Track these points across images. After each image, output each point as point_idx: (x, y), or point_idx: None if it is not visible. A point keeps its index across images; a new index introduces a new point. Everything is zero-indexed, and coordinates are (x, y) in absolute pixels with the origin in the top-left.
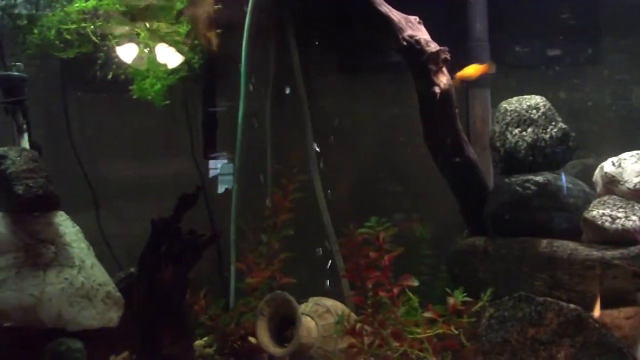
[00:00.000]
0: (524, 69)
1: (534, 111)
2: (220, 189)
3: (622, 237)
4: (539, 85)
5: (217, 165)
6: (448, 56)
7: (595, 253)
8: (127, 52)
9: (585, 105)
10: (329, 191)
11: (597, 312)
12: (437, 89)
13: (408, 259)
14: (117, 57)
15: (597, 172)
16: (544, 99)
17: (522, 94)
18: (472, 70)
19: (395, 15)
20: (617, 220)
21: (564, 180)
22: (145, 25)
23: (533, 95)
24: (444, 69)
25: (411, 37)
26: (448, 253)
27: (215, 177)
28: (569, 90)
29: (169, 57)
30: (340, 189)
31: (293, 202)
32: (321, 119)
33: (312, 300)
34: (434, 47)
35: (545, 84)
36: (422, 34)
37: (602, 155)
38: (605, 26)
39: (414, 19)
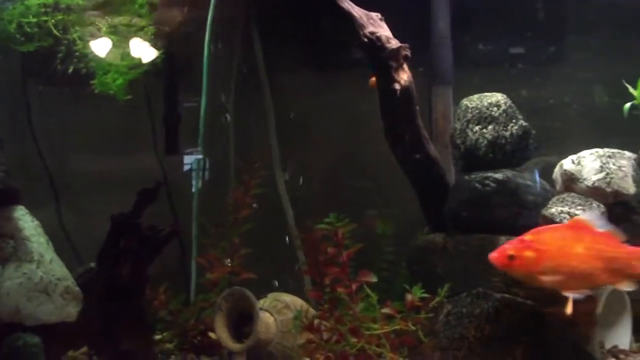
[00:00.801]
0: (487, 67)
1: (495, 109)
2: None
3: None
4: (502, 83)
5: (187, 160)
6: (409, 53)
7: None
8: (101, 47)
9: (548, 103)
10: (292, 187)
11: (569, 309)
12: (397, 86)
13: (370, 255)
14: (78, 50)
15: (556, 169)
16: (505, 96)
17: (485, 92)
18: None
19: (357, 11)
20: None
21: (537, 177)
22: (107, 20)
23: (494, 93)
24: (405, 66)
25: (372, 33)
26: (408, 249)
27: (182, 172)
28: (532, 88)
29: (135, 51)
30: (305, 185)
31: (254, 197)
32: (286, 115)
33: (271, 295)
34: (394, 43)
35: (508, 81)
36: (384, 30)
37: (565, 152)
38: (569, 25)
39: (376, 15)
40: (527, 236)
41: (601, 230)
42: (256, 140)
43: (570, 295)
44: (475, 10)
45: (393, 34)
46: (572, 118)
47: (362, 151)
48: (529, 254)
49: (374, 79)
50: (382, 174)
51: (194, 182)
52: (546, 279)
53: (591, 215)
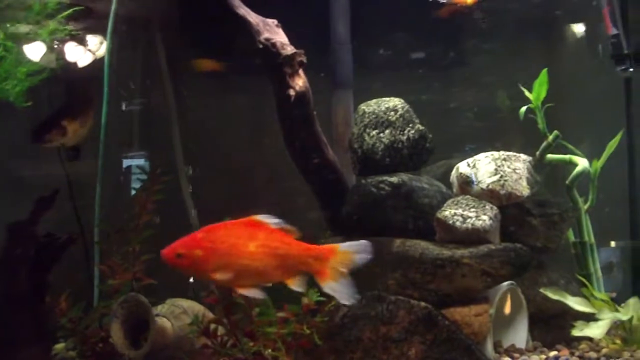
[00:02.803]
0: (388, 72)
1: (392, 113)
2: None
3: (472, 236)
4: (403, 88)
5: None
6: (304, 59)
7: (445, 252)
8: (34, 51)
9: (449, 107)
10: (197, 191)
11: (507, 309)
12: (291, 92)
13: None
14: None
15: (453, 172)
16: (402, 101)
17: (387, 97)
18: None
19: (253, 18)
20: (468, 220)
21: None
22: (6, 26)
23: (392, 98)
24: (301, 72)
25: (267, 39)
26: None
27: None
28: (433, 92)
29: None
30: (209, 189)
31: (156, 203)
32: (190, 119)
33: (169, 301)
34: (289, 50)
35: (409, 86)
36: (279, 37)
37: (467, 155)
38: (467, 30)
39: (272, 22)
40: (200, 234)
41: (275, 227)
42: (161, 144)
43: (246, 293)
44: (376, 15)
45: (295, 40)
46: (472, 121)
47: (267, 155)
48: (197, 252)
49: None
50: (287, 177)
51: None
52: (217, 276)
53: (264, 215)
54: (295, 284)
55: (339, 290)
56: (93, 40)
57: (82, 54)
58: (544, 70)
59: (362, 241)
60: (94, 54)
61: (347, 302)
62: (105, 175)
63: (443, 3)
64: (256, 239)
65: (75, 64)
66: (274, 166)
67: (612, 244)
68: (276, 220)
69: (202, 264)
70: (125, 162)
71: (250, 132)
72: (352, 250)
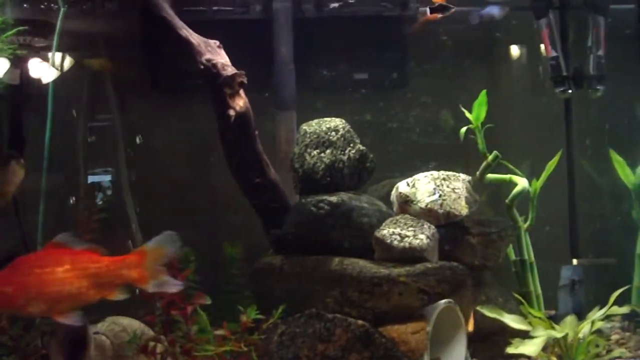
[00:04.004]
0: (331, 92)
1: (333, 133)
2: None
3: (410, 255)
4: (346, 108)
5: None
6: (245, 80)
7: (383, 270)
8: None
9: (392, 127)
10: (141, 209)
11: (470, 326)
12: (232, 112)
13: (220, 278)
14: None
15: (393, 192)
16: (344, 121)
17: (330, 117)
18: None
19: (195, 39)
20: (406, 239)
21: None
22: None
23: (333, 118)
24: (241, 92)
25: (208, 60)
26: (250, 272)
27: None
28: (376, 112)
29: None
30: (153, 206)
31: (99, 221)
32: (135, 137)
33: (109, 319)
34: (230, 70)
35: (352, 106)
36: (221, 57)
37: (409, 175)
38: (410, 52)
39: (214, 43)
40: (6, 270)
41: (80, 248)
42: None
43: (64, 321)
44: (319, 36)
45: (239, 61)
46: (415, 141)
47: (212, 173)
48: (6, 289)
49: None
50: (232, 197)
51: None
52: (33, 309)
53: (64, 236)
54: (117, 295)
55: (164, 283)
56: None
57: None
58: (483, 92)
59: (166, 232)
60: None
61: (176, 289)
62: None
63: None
64: (63, 263)
65: None
66: (220, 186)
67: (574, 261)
68: (77, 241)
69: (14, 300)
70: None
71: (196, 151)
72: (160, 245)
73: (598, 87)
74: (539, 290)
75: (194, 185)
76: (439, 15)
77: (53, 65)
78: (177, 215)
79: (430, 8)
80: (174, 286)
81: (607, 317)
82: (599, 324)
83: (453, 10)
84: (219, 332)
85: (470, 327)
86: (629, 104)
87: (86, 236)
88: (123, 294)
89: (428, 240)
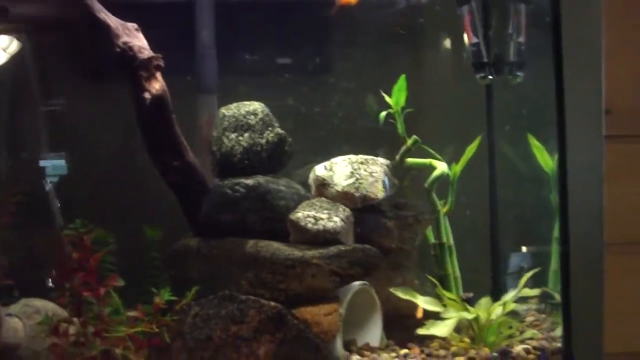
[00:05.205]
0: (253, 76)
1: (252, 117)
2: None
3: (324, 237)
4: (268, 93)
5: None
6: (161, 63)
7: (296, 253)
8: None
9: (314, 112)
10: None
11: (420, 313)
12: (147, 95)
13: (141, 261)
14: None
15: (311, 175)
16: (263, 105)
17: (253, 101)
18: None
19: (113, 21)
20: (320, 221)
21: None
22: None
23: (252, 102)
24: (158, 76)
25: (125, 43)
26: (167, 254)
27: None
28: (299, 97)
29: None
30: (78, 194)
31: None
32: (61, 124)
33: (22, 301)
34: (146, 53)
35: (274, 91)
36: (138, 40)
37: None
38: (333, 37)
39: (132, 26)
40: None
41: None
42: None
43: None
44: (242, 20)
45: (161, 44)
46: (337, 126)
47: (134, 159)
48: None
49: None
50: (155, 181)
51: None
52: None
53: None
54: None
55: None
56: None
57: None
58: (402, 77)
59: None
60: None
61: None
62: None
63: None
64: None
65: None
66: (143, 170)
67: (524, 249)
68: None
69: None
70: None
71: (119, 136)
72: None
73: (518, 74)
74: (458, 273)
75: (119, 169)
76: None
77: None
78: (101, 199)
79: None
80: None
81: (521, 300)
82: (511, 306)
83: None
84: (132, 313)
85: (420, 314)
86: (550, 91)
87: (3, 218)
88: None
89: (342, 223)
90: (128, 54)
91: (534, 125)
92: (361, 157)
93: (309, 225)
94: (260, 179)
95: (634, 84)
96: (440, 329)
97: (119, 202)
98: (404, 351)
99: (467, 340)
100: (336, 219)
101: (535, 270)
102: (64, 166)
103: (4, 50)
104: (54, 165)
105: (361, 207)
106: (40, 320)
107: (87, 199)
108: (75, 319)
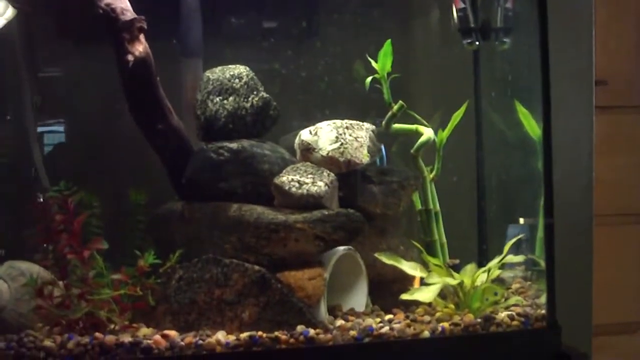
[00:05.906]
0: (239, 40)
1: (237, 80)
2: None
3: (308, 202)
4: (254, 57)
5: None
6: (144, 25)
7: (280, 217)
8: None
9: (301, 76)
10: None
11: (417, 283)
12: (130, 57)
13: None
14: None
15: (296, 140)
16: (248, 69)
17: (239, 65)
18: None
19: None
20: (304, 186)
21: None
22: None
23: (237, 65)
24: (141, 38)
25: (107, 5)
26: (150, 217)
27: None
28: (285, 61)
29: None
30: (64, 156)
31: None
32: (46, 87)
33: (7, 263)
34: (129, 15)
35: (261, 55)
36: (120, 2)
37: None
38: (321, 1)
39: None
40: None
41: None
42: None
43: None
44: None
45: (146, 6)
46: (324, 91)
47: (122, 123)
48: None
49: None
50: (142, 144)
51: None
52: None
53: None
54: None
55: None
56: None
57: None
58: (388, 41)
59: None
60: None
61: None
62: None
63: None
64: None
65: None
66: (131, 134)
67: (521, 220)
68: None
69: None
70: None
71: (107, 100)
72: None
73: (505, 40)
74: (444, 239)
75: (105, 132)
76: None
77: None
78: (87, 162)
79: None
80: None
81: (505, 266)
82: (496, 273)
83: None
84: (116, 276)
85: (417, 284)
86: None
87: None
88: None
89: (326, 187)
90: (110, 15)
91: (524, 93)
92: (347, 122)
93: (293, 189)
94: (245, 142)
95: (630, 55)
96: (424, 295)
97: (105, 165)
98: (388, 316)
99: (451, 306)
100: (320, 183)
101: (518, 237)
102: (49, 129)
103: (0, 16)
104: (39, 127)
105: (346, 172)
106: (25, 282)
107: (73, 162)
108: (60, 282)
